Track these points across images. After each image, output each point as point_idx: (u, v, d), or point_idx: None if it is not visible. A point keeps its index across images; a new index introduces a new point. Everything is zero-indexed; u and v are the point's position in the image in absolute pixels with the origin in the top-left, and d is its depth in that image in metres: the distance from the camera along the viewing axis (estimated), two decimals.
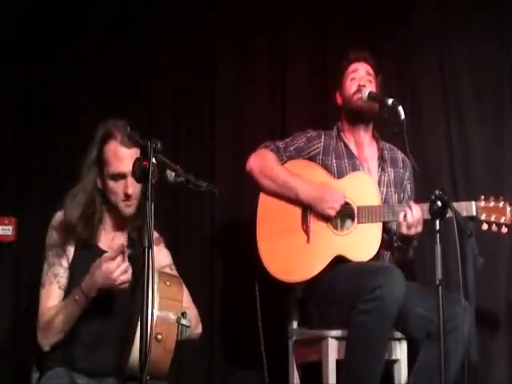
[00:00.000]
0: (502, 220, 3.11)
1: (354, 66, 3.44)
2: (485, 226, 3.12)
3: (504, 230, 3.12)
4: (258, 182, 3.34)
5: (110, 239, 2.89)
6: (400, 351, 3.24)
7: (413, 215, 3.09)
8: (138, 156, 2.68)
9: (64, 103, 3.90)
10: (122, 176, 2.78)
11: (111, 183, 2.80)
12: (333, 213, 3.21)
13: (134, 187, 2.77)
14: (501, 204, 3.12)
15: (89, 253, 2.80)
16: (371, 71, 3.44)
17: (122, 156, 2.77)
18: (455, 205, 2.97)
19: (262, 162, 3.34)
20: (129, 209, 2.82)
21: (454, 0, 4.05)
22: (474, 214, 3.12)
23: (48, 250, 2.83)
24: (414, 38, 4.04)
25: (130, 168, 2.65)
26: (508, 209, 3.11)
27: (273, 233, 3.27)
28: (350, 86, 3.41)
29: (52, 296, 2.77)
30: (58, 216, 2.85)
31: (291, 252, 3.24)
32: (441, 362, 2.53)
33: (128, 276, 2.62)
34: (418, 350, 3.08)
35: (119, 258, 2.61)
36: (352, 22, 4.03)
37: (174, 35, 4.06)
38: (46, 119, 3.89)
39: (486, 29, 3.98)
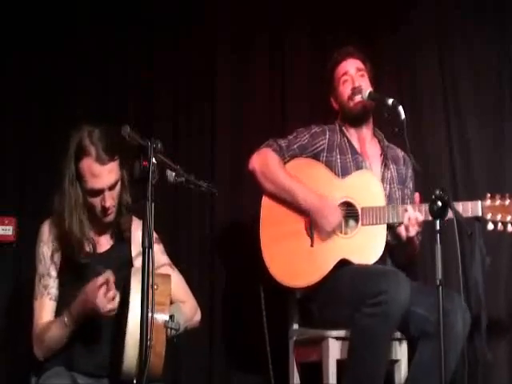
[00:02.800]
0: (508, 219, 3.08)
1: (342, 66, 3.39)
2: (490, 226, 3.09)
3: (510, 228, 3.09)
4: (260, 184, 3.31)
5: (96, 243, 2.90)
6: (400, 351, 3.24)
7: (410, 217, 3.08)
8: (114, 170, 2.76)
9: (64, 103, 3.90)
10: (98, 192, 2.79)
11: (89, 198, 2.81)
12: (329, 230, 3.19)
13: (111, 199, 2.80)
14: (507, 202, 3.09)
15: (76, 258, 2.82)
16: (361, 65, 3.40)
17: (97, 173, 2.77)
18: (461, 204, 2.98)
19: (265, 164, 3.30)
20: (108, 217, 2.85)
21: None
22: (480, 213, 3.09)
23: (37, 262, 2.86)
24: (414, 38, 4.04)
25: (107, 183, 2.73)
26: None
27: (276, 236, 3.25)
28: (344, 90, 3.37)
29: (44, 308, 2.80)
30: (45, 227, 2.88)
31: (295, 256, 3.22)
32: (439, 360, 2.53)
33: (115, 304, 2.64)
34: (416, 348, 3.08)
35: (104, 288, 2.62)
36: (352, 22, 4.02)
37: (174, 35, 4.05)
38: (46, 119, 3.89)
39: (486, 28, 3.97)
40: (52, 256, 2.84)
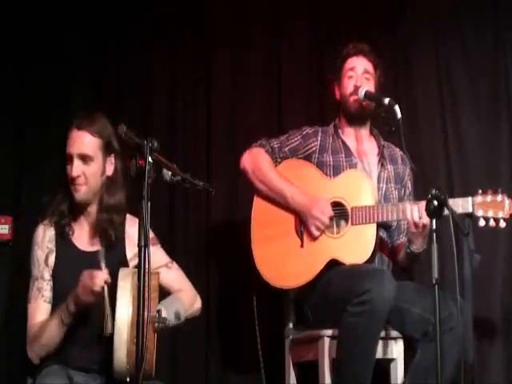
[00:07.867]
0: (500, 215, 3.00)
1: (351, 61, 3.37)
2: (482, 222, 3.02)
3: (502, 224, 3.02)
4: (252, 183, 3.32)
5: (88, 244, 2.87)
6: (396, 350, 3.21)
7: (419, 210, 2.99)
8: (91, 144, 2.73)
9: (63, 103, 3.91)
10: (69, 158, 2.75)
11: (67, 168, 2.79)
12: (316, 232, 3.17)
13: (78, 170, 2.74)
14: (499, 198, 3.02)
15: (68, 255, 2.83)
16: (370, 68, 3.37)
17: (71, 138, 2.74)
18: (451, 201, 2.93)
19: (256, 164, 3.31)
20: (77, 193, 2.78)
21: None
22: (471, 210, 3.02)
23: (31, 265, 2.84)
24: (411, 38, 4.03)
25: (76, 149, 2.68)
26: (507, 202, 3.01)
27: (267, 237, 3.25)
28: (348, 85, 3.34)
29: (38, 311, 2.79)
30: (39, 230, 2.86)
31: (285, 257, 3.22)
32: (437, 361, 2.53)
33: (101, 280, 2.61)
34: (415, 349, 3.07)
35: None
36: (350, 21, 4.02)
37: (174, 35, 4.05)
38: (46, 119, 3.89)
39: (482, 27, 3.96)
40: (46, 259, 2.82)
